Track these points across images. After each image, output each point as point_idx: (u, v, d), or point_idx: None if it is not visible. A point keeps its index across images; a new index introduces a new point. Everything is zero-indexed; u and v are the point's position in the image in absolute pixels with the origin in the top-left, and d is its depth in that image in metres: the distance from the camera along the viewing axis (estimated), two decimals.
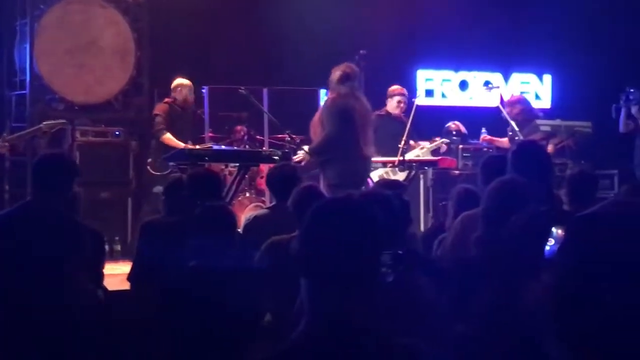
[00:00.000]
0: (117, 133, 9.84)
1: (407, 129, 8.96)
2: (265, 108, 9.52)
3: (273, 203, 5.98)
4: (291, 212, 4.94)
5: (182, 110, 9.38)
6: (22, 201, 4.68)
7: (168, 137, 9.06)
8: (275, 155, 7.76)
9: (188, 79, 9.47)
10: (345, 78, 7.64)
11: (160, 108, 9.33)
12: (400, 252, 2.61)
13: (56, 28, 9.62)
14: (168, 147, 8.80)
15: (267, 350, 2.07)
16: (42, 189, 4.52)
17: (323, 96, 10.86)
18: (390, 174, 8.68)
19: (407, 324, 2.55)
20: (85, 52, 9.70)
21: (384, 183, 6.01)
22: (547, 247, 3.16)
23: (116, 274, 6.28)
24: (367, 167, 7.85)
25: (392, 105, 9.72)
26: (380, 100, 10.07)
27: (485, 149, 10.19)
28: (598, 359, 1.81)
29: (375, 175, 8.62)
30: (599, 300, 1.76)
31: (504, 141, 10.19)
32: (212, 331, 4.08)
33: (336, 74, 7.68)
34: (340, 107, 7.55)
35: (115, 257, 8.76)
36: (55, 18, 9.64)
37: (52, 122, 8.44)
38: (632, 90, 9.40)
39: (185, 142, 8.94)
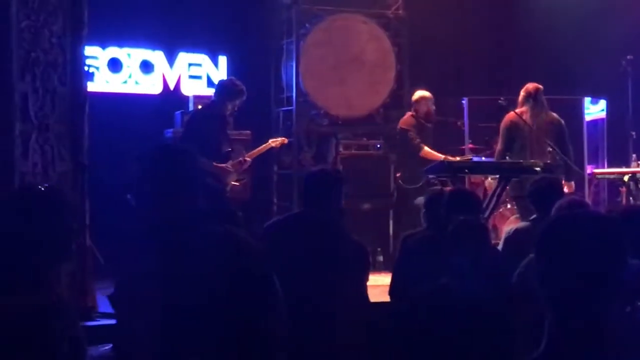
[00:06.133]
0: (378, 146, 10.03)
1: None
2: None
3: (534, 216, 5.85)
4: None
5: (424, 123, 9.32)
6: (295, 211, 4.98)
7: (427, 151, 9.04)
8: (537, 167, 7.58)
9: (428, 91, 9.37)
10: (527, 96, 8.31)
11: (407, 122, 9.26)
12: None
13: (321, 46, 9.93)
14: (419, 160, 8.82)
15: None
16: (312, 202, 4.77)
17: (587, 105, 10.48)
18: None
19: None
20: (347, 68, 9.94)
21: None
22: None
23: (377, 284, 6.35)
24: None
25: None
26: None
27: None
28: None
29: None
30: None
31: None
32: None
33: (523, 93, 8.38)
34: (506, 125, 8.37)
35: (377, 268, 8.91)
36: (320, 36, 9.96)
37: (278, 139, 9.01)
38: None
39: None
